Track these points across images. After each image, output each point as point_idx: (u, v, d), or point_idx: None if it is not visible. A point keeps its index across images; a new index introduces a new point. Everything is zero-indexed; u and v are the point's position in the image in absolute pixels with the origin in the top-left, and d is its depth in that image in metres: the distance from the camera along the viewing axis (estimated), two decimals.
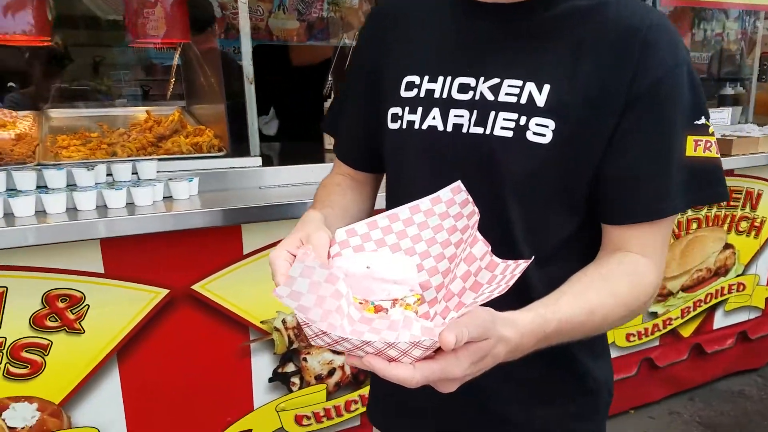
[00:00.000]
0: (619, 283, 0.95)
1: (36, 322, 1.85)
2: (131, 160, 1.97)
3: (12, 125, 2.13)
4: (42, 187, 1.83)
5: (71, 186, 1.85)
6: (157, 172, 2.00)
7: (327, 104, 2.71)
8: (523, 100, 0.96)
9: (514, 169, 0.97)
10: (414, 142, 1.05)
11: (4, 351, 1.84)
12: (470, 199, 0.89)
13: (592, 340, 1.00)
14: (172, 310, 2.02)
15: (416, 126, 1.04)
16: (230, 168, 2.18)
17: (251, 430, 2.27)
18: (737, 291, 3.42)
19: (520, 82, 0.97)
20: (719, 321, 3.41)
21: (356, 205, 1.18)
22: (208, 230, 1.96)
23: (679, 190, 0.98)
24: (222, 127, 2.25)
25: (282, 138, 2.78)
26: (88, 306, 1.90)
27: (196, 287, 2.04)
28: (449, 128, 1.01)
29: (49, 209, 1.76)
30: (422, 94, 1.04)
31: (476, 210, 0.86)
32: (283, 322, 2.20)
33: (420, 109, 1.03)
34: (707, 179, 1.00)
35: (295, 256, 0.83)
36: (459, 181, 0.91)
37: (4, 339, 1.83)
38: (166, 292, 2.00)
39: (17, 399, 1.89)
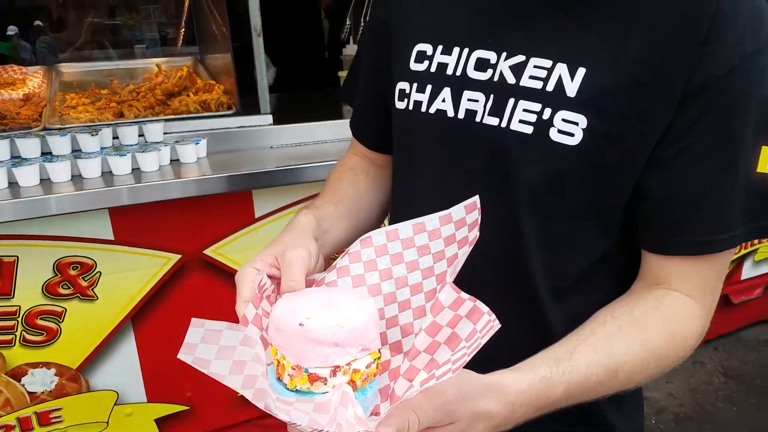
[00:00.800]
0: (655, 332, 0.76)
1: (49, 289, 1.84)
2: (137, 122, 1.90)
3: (22, 83, 2.07)
4: (46, 154, 1.77)
5: (76, 152, 1.79)
6: (165, 133, 1.93)
7: (345, 50, 2.58)
8: (550, 86, 0.76)
9: (531, 175, 0.78)
10: (420, 128, 0.88)
11: (19, 319, 1.83)
12: (479, 221, 0.70)
13: (621, 394, 0.80)
14: (184, 274, 1.99)
15: (423, 108, 0.86)
16: (240, 127, 2.10)
17: None
18: (767, 241, 3.30)
19: (549, 63, 0.77)
20: (747, 271, 3.30)
21: (369, 195, 1.02)
22: (219, 195, 1.90)
23: (742, 216, 0.76)
24: (231, 81, 2.15)
25: (280, 88, 2.63)
26: (100, 273, 1.88)
27: (208, 252, 2.00)
28: (461, 114, 0.83)
29: (54, 178, 1.71)
30: (433, 69, 0.86)
31: (477, 235, 0.69)
32: None
33: (429, 88, 0.86)
34: None
35: (265, 276, 0.72)
36: (477, 196, 0.71)
37: (18, 307, 1.83)
38: (177, 257, 1.96)
39: (35, 365, 1.90)
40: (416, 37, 0.88)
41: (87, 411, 2.01)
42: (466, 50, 0.83)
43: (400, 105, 0.90)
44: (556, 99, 0.75)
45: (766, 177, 0.75)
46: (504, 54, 0.80)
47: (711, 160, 0.74)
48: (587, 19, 0.76)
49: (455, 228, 0.72)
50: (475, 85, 0.82)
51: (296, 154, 2.08)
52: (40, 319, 1.86)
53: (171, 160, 1.90)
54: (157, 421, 2.12)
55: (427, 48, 0.86)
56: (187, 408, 2.14)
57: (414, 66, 0.87)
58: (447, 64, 0.84)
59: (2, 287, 1.79)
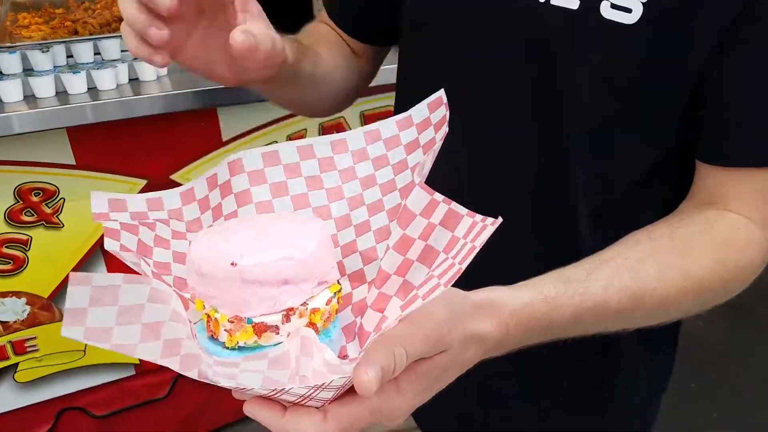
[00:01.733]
0: (700, 258, 0.63)
1: (11, 216, 1.79)
2: (92, 39, 1.80)
3: None
4: None
5: (27, 71, 1.71)
6: (122, 51, 1.83)
7: None
8: None
9: (576, 63, 0.65)
10: (441, 7, 0.74)
11: None
12: (447, 117, 0.59)
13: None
14: None
15: None
16: None
17: None
18: None
19: None
20: None
21: (343, 74, 0.87)
22: (183, 115, 1.83)
23: None
24: None
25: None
26: (64, 199, 1.83)
27: (174, 177, 1.93)
28: None
29: (5, 98, 1.63)
30: None
31: (446, 130, 0.57)
32: None
33: None
34: None
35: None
36: (443, 90, 0.59)
37: None
38: (144, 182, 1.89)
39: (5, 294, 1.87)
40: None
41: (63, 339, 1.97)
42: None
43: None
44: None
45: None
46: None
47: None
48: None
49: (417, 132, 0.60)
50: None
51: None
52: (5, 247, 1.81)
53: (129, 79, 1.81)
54: None
55: None
56: None
57: None
58: None
59: None
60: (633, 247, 0.62)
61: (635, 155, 0.70)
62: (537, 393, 0.82)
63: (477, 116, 0.72)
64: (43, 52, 1.66)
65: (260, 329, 0.48)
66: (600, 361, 0.80)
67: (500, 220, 0.45)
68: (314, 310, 0.50)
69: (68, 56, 1.79)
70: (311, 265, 0.49)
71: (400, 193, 0.59)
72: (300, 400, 0.45)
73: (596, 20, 0.62)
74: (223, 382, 0.43)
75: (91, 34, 1.84)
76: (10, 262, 1.83)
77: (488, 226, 0.46)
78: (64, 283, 1.90)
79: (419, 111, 0.60)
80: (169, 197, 0.60)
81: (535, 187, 0.68)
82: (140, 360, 2.05)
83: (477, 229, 0.48)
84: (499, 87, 0.69)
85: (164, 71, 1.85)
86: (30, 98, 1.68)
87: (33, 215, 1.81)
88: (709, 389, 2.48)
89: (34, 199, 1.79)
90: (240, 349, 0.49)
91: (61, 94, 1.71)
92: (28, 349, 1.96)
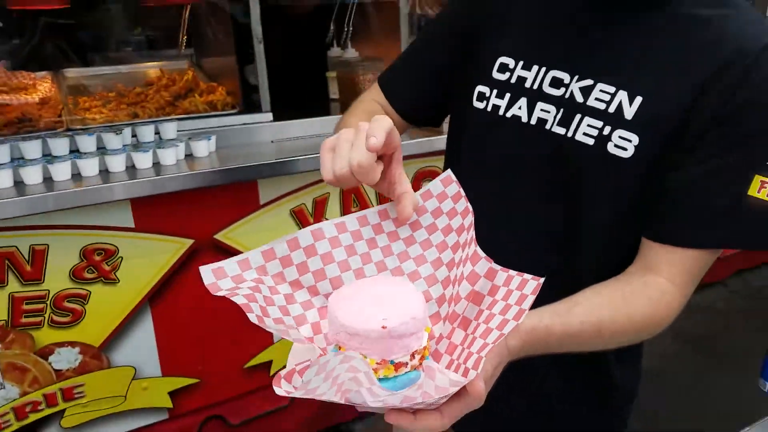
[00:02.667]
0: (638, 308, 0.90)
1: (75, 274, 2.02)
2: (153, 121, 2.09)
3: (33, 88, 2.23)
4: (74, 151, 1.96)
5: (101, 149, 1.98)
6: (178, 131, 2.13)
7: (330, 53, 2.83)
8: (612, 108, 0.91)
9: (589, 178, 0.94)
10: (494, 127, 1.02)
11: (48, 302, 2.00)
12: (462, 192, 0.81)
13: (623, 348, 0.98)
14: (197, 257, 2.19)
15: (501, 112, 1.00)
16: (243, 124, 2.31)
17: (272, 360, 2.49)
18: None
19: (612, 89, 0.91)
20: None
21: None
22: (227, 185, 2.11)
23: (730, 226, 0.90)
24: (233, 82, 2.36)
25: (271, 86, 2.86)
26: (122, 258, 2.07)
27: (218, 236, 2.21)
28: (533, 121, 0.97)
29: (84, 173, 1.90)
30: (513, 80, 0.99)
31: (470, 208, 0.79)
32: None
33: (508, 96, 1.00)
34: (761, 224, 0.91)
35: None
36: (449, 170, 0.83)
37: (47, 291, 1.99)
38: (191, 242, 2.16)
39: (61, 344, 2.07)
40: (500, 50, 1.01)
41: (107, 386, 2.19)
42: (543, 68, 0.97)
43: (479, 105, 1.03)
44: (616, 119, 0.91)
45: (755, 200, 0.88)
46: (576, 76, 0.95)
47: (719, 174, 0.89)
48: (650, 54, 0.91)
49: (438, 201, 0.83)
50: (549, 98, 0.96)
51: (294, 147, 2.30)
52: (67, 301, 2.03)
53: (185, 155, 2.11)
54: (171, 393, 2.31)
55: (510, 61, 1.00)
56: (198, 380, 2.34)
57: (496, 75, 1.01)
58: (526, 78, 0.98)
59: (33, 273, 1.96)
60: (597, 295, 0.89)
61: (628, 238, 0.97)
62: (531, 396, 1.11)
63: (502, 214, 1.01)
64: (116, 134, 1.95)
65: (398, 366, 0.67)
66: (586, 369, 1.10)
67: (542, 279, 0.68)
68: (425, 348, 0.70)
69: (132, 135, 2.07)
70: (423, 319, 0.69)
71: (436, 249, 0.81)
72: (426, 406, 0.65)
73: (603, 154, 0.92)
74: (375, 405, 0.62)
75: (149, 117, 2.13)
76: (69, 315, 2.05)
77: (529, 282, 0.69)
78: (114, 333, 2.13)
79: (435, 186, 0.82)
80: (255, 257, 0.77)
81: (553, 240, 0.96)
82: (173, 404, 2.28)
83: (516, 284, 0.71)
84: (527, 191, 0.97)
85: (213, 148, 2.15)
86: (103, 172, 1.96)
87: (94, 272, 2.04)
88: (673, 409, 2.83)
89: (97, 258, 2.03)
90: (381, 380, 0.66)
91: (129, 168, 1.99)
92: (76, 396, 2.15)
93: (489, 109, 1.02)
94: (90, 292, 2.06)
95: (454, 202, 0.82)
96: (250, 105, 2.37)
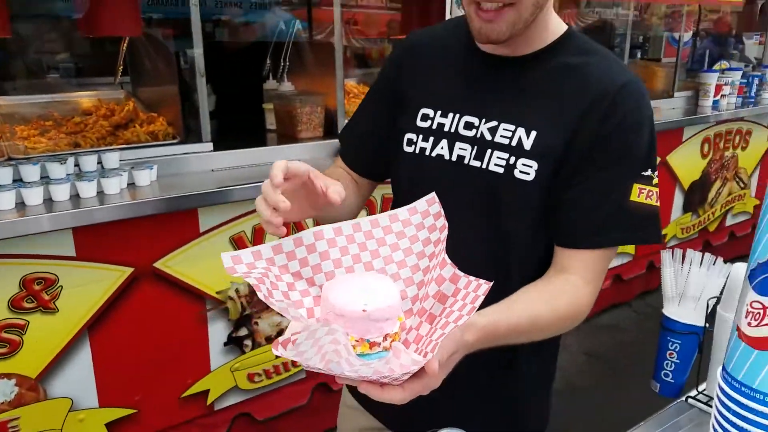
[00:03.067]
0: (561, 302, 1.09)
1: (14, 304, 2.00)
2: (95, 151, 2.12)
3: None
4: (17, 181, 1.96)
5: (44, 178, 1.99)
6: (120, 161, 2.16)
7: (266, 85, 2.92)
8: (514, 143, 1.12)
9: (504, 199, 1.13)
10: (424, 166, 1.21)
11: None
12: (442, 212, 0.97)
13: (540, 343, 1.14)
14: (136, 286, 2.21)
15: (427, 153, 1.20)
16: (184, 154, 2.37)
17: (209, 389, 2.51)
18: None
19: (512, 127, 1.13)
20: None
21: (351, 200, 1.31)
22: (169, 213, 2.16)
23: (618, 227, 1.11)
24: (173, 113, 2.41)
25: (219, 113, 2.92)
26: (62, 287, 2.07)
27: (157, 264, 2.24)
28: (454, 158, 1.18)
29: (28, 202, 1.91)
30: (434, 126, 1.20)
31: (446, 224, 0.95)
32: (237, 291, 2.44)
33: (431, 139, 1.20)
34: (645, 222, 1.12)
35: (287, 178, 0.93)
36: (434, 192, 0.99)
37: None
38: (131, 270, 2.18)
39: None
40: (422, 103, 1.23)
41: (43, 418, 2.16)
42: (457, 115, 1.18)
43: (408, 149, 1.23)
44: (518, 151, 1.12)
45: (637, 204, 1.10)
46: (484, 119, 1.16)
47: (604, 187, 1.10)
48: (536, 99, 1.13)
49: (422, 217, 0.99)
50: (464, 139, 1.17)
51: (233, 176, 2.38)
52: (5, 332, 2.01)
53: (128, 184, 2.14)
54: (108, 424, 2.29)
55: (430, 111, 1.22)
56: (135, 411, 2.33)
57: (420, 123, 1.22)
58: (444, 124, 1.19)
59: None
60: (528, 295, 1.07)
61: (542, 244, 1.17)
62: (459, 395, 1.24)
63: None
64: (61, 163, 1.96)
65: (372, 345, 0.81)
66: (506, 371, 1.27)
67: (490, 284, 0.83)
68: (396, 333, 0.85)
69: (75, 164, 2.09)
70: (397, 308, 0.85)
71: (416, 256, 0.98)
72: (390, 381, 0.80)
73: (511, 178, 1.11)
74: (350, 375, 0.77)
75: (91, 146, 2.15)
76: (6, 346, 2.02)
77: (482, 285, 0.84)
78: (52, 364, 2.12)
79: (421, 204, 0.99)
80: (265, 249, 0.92)
81: (487, 254, 1.14)
82: None
83: (472, 287, 0.86)
84: (460, 208, 1.10)
85: (155, 177, 2.20)
86: (47, 201, 1.96)
87: (33, 302, 2.03)
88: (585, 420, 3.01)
89: (36, 287, 2.03)
90: (359, 355, 0.79)
91: (73, 198, 2.01)
92: (10, 430, 2.11)
93: (417, 151, 1.21)
94: (28, 322, 2.05)
95: (435, 219, 0.98)
96: (190, 135, 2.43)
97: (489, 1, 1.04)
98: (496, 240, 1.17)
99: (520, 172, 1.12)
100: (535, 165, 1.11)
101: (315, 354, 0.75)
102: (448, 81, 1.23)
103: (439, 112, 1.21)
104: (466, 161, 1.16)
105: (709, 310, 1.37)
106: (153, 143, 2.30)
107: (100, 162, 2.13)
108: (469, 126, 1.17)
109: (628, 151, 1.10)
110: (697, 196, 4.49)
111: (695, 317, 1.44)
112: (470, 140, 1.16)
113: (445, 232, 0.94)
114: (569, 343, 3.75)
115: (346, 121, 1.40)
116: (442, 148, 1.19)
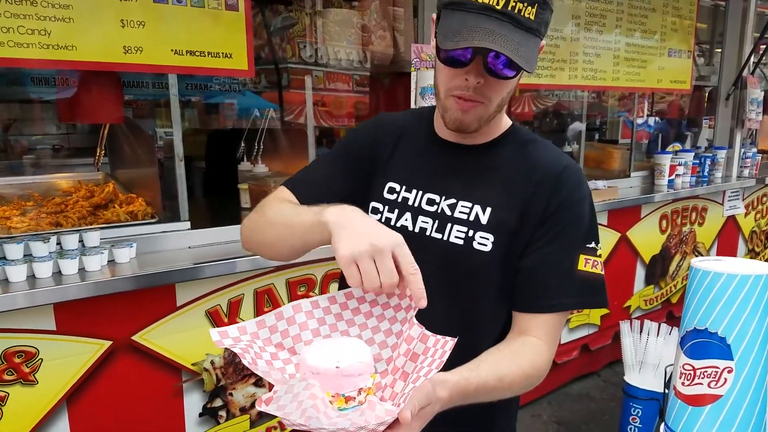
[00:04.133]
0: (523, 359, 1.18)
1: None
2: (77, 230, 2.26)
3: None
4: (1, 258, 2.09)
5: (27, 256, 2.12)
6: (101, 239, 2.30)
7: (241, 166, 3.11)
8: (472, 218, 1.26)
9: (463, 269, 1.26)
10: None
11: None
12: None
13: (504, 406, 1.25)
14: (114, 359, 2.30)
15: (392, 223, 1.31)
16: (163, 232, 2.52)
17: None
18: (577, 312, 4.09)
19: (470, 204, 1.27)
20: (565, 337, 4.05)
21: None
22: (147, 288, 2.28)
23: (569, 293, 1.24)
24: (153, 194, 2.57)
25: (196, 194, 3.10)
26: (42, 360, 2.15)
27: (135, 338, 2.34)
28: (416, 230, 1.30)
29: (12, 278, 2.03)
30: (399, 200, 1.33)
31: (421, 304, 1.02)
32: (212, 362, 2.54)
33: (396, 211, 1.32)
34: (592, 289, 1.26)
35: None
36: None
37: None
38: (109, 343, 2.28)
39: None
40: (388, 177, 1.36)
41: None
42: (420, 191, 1.32)
43: (374, 217, 1.33)
44: (476, 225, 1.25)
45: (584, 272, 1.24)
46: (444, 197, 1.30)
47: (554, 257, 1.24)
48: (490, 180, 1.29)
49: (387, 296, 1.10)
50: (426, 213, 1.30)
51: (210, 252, 2.52)
52: None
53: (108, 261, 2.27)
54: None
55: (396, 186, 1.34)
56: None
57: (386, 195, 1.35)
58: (408, 198, 1.32)
59: None
60: (493, 356, 1.16)
61: (500, 310, 1.29)
62: None
63: None
64: (44, 242, 2.10)
65: (348, 399, 0.90)
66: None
67: (455, 340, 0.95)
68: (369, 388, 0.93)
69: (57, 243, 2.22)
70: (368, 365, 0.94)
71: (388, 321, 1.08)
72: None
73: (470, 250, 1.25)
74: (329, 428, 0.83)
75: (72, 226, 2.30)
76: None
77: (448, 342, 0.96)
78: None
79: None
80: (250, 325, 1.04)
81: (450, 320, 1.24)
82: None
83: (440, 344, 0.97)
84: (425, 283, 1.08)
85: (134, 254, 2.34)
86: (30, 278, 2.09)
87: (13, 374, 2.12)
88: None
89: (17, 360, 2.11)
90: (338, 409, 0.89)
91: (55, 275, 2.13)
92: None
93: (382, 220, 1.32)
94: (8, 394, 2.12)
95: (400, 298, 1.09)
96: (168, 214, 2.58)
97: (468, 95, 1.19)
98: (459, 306, 1.28)
99: (478, 243, 1.25)
100: (491, 237, 1.24)
101: (295, 409, 0.84)
102: (412, 161, 1.36)
103: (404, 187, 1.33)
104: (428, 233, 1.29)
105: (667, 377, 1.47)
106: (132, 222, 2.44)
107: (81, 240, 2.27)
108: (430, 202, 1.30)
109: (573, 223, 1.25)
110: (658, 269, 4.66)
111: (655, 383, 1.54)
112: (432, 215, 1.29)
113: (409, 304, 1.05)
114: (540, 412, 3.84)
115: None
116: (406, 220, 1.31)
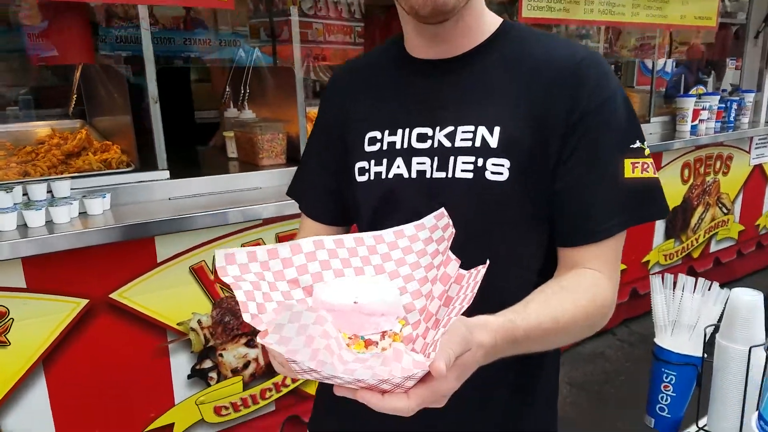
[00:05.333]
0: (580, 294, 0.98)
1: None
2: (45, 180, 2.09)
3: None
4: None
5: None
6: (72, 189, 2.14)
7: (227, 113, 2.91)
8: (478, 143, 1.03)
9: (481, 207, 1.04)
10: (383, 191, 1.11)
11: None
12: (451, 223, 0.91)
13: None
14: (92, 318, 2.17)
15: (383, 176, 1.10)
16: (140, 182, 2.34)
17: (173, 423, 2.44)
18: None
19: (472, 128, 1.04)
20: None
21: None
22: (123, 243, 2.12)
23: (621, 210, 1.02)
24: (128, 141, 2.40)
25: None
26: (13, 319, 2.02)
27: (114, 296, 2.20)
28: (414, 175, 1.08)
29: None
30: (385, 147, 1.11)
31: (453, 230, 0.89)
32: (199, 322, 2.39)
33: (385, 161, 1.10)
34: (647, 198, 1.04)
35: None
36: (443, 208, 0.93)
37: None
38: (85, 302, 2.14)
39: None
40: (366, 128, 1.14)
41: None
42: (407, 129, 1.10)
43: (362, 178, 1.13)
44: (485, 151, 1.03)
45: (633, 180, 1.02)
46: (438, 127, 1.07)
47: (592, 172, 1.01)
48: (489, 93, 1.06)
49: (430, 232, 0.93)
50: (421, 152, 1.08)
51: (193, 204, 2.35)
52: None
53: (79, 213, 2.11)
54: None
55: (377, 133, 1.12)
56: None
57: (368, 148, 1.13)
58: (395, 142, 1.10)
59: None
60: (541, 294, 0.96)
61: (527, 252, 1.08)
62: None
63: None
64: (7, 192, 1.94)
65: (368, 343, 0.75)
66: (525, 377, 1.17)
67: (487, 264, 0.78)
68: (395, 333, 0.78)
69: (23, 194, 2.06)
70: (394, 306, 0.80)
71: (424, 269, 0.90)
72: (392, 387, 0.68)
73: (483, 182, 1.02)
74: (345, 377, 0.66)
75: (41, 175, 2.13)
76: None
77: (480, 271, 0.78)
78: (6, 399, 2.06)
79: (429, 220, 0.93)
80: (261, 252, 0.86)
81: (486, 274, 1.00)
82: None
83: (472, 277, 0.79)
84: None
85: (108, 206, 2.17)
86: None
87: None
88: None
89: None
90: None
91: (20, 227, 1.97)
92: None
93: (372, 178, 1.12)
94: None
95: (443, 230, 0.92)
96: (146, 163, 2.40)
97: None
98: (484, 252, 1.01)
99: (492, 173, 1.03)
100: (506, 163, 1.02)
101: (303, 346, 0.65)
102: (388, 99, 1.15)
103: (386, 132, 1.12)
104: (428, 175, 1.07)
105: (706, 339, 1.30)
106: (106, 171, 2.27)
107: (50, 191, 2.10)
108: (422, 138, 1.08)
109: (607, 125, 1.02)
110: (679, 221, 4.44)
111: (691, 347, 1.36)
112: (428, 152, 1.08)
113: (451, 231, 0.89)
114: None
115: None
116: (398, 167, 1.10)
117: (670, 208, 4.24)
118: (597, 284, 1.01)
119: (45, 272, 2.05)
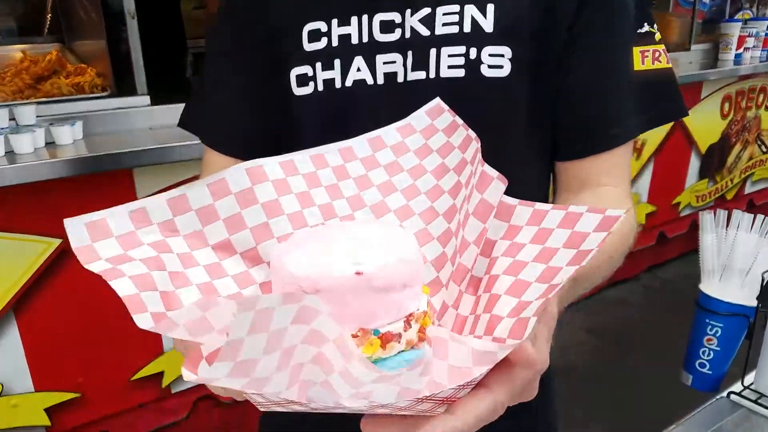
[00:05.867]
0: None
1: None
2: (7, 105, 1.87)
3: None
4: None
5: None
6: (37, 117, 1.91)
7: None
8: (467, 27, 0.78)
9: (477, 113, 0.73)
10: (336, 106, 0.82)
11: None
12: (460, 121, 0.62)
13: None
14: (67, 259, 1.97)
15: (338, 84, 0.81)
16: (117, 109, 2.10)
17: (163, 372, 2.29)
18: None
19: (456, 7, 0.78)
20: None
21: None
22: (99, 176, 1.91)
23: (635, 109, 0.84)
24: (104, 64, 2.15)
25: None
26: None
27: None
28: (380, 79, 0.81)
29: None
30: (335, 43, 0.81)
31: (472, 135, 0.61)
32: None
33: (338, 62, 0.81)
34: (663, 93, 0.87)
35: None
36: (438, 98, 0.65)
37: None
38: (58, 242, 1.94)
39: None
40: (302, 18, 0.82)
41: None
42: (365, 16, 0.80)
43: (303, 91, 0.83)
44: (477, 37, 0.77)
45: (644, 72, 0.84)
46: (409, 10, 0.79)
47: (599, 68, 0.82)
48: None
49: (424, 138, 0.63)
50: (387, 47, 0.80)
51: (177, 134, 2.09)
52: None
53: (47, 143, 1.88)
54: (47, 410, 2.08)
55: (321, 25, 0.81)
56: (78, 395, 2.12)
57: (310, 47, 0.81)
58: (349, 35, 0.80)
59: None
60: None
61: (537, 168, 0.87)
62: None
63: None
64: None
65: (386, 339, 0.43)
66: None
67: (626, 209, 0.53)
68: (425, 313, 0.46)
69: None
70: (420, 266, 0.47)
71: (426, 196, 0.60)
72: (432, 407, 0.41)
73: (480, 80, 0.78)
74: (353, 406, 0.37)
75: (3, 101, 1.90)
76: None
77: (610, 214, 0.50)
78: None
79: (419, 119, 0.64)
80: (155, 206, 0.53)
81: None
82: (51, 422, 2.06)
83: (552, 219, 0.52)
84: None
85: (80, 135, 1.94)
86: None
87: None
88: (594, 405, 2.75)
89: None
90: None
91: None
92: None
93: (320, 88, 0.82)
94: None
95: (448, 135, 0.62)
96: (124, 89, 2.16)
97: None
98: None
99: (489, 66, 0.78)
100: (507, 51, 0.78)
101: (276, 367, 0.35)
102: None
103: (335, 21, 0.80)
104: (401, 78, 0.80)
105: (763, 286, 1.14)
106: (78, 96, 2.03)
107: (13, 119, 1.88)
108: (388, 27, 0.80)
109: (613, 10, 0.82)
110: (715, 160, 4.15)
111: (743, 296, 1.17)
112: (397, 46, 0.80)
113: (476, 145, 0.59)
114: (569, 320, 3.47)
115: None
116: (358, 70, 0.80)
117: (708, 146, 3.99)
118: (621, 202, 0.83)
119: (10, 209, 1.85)
